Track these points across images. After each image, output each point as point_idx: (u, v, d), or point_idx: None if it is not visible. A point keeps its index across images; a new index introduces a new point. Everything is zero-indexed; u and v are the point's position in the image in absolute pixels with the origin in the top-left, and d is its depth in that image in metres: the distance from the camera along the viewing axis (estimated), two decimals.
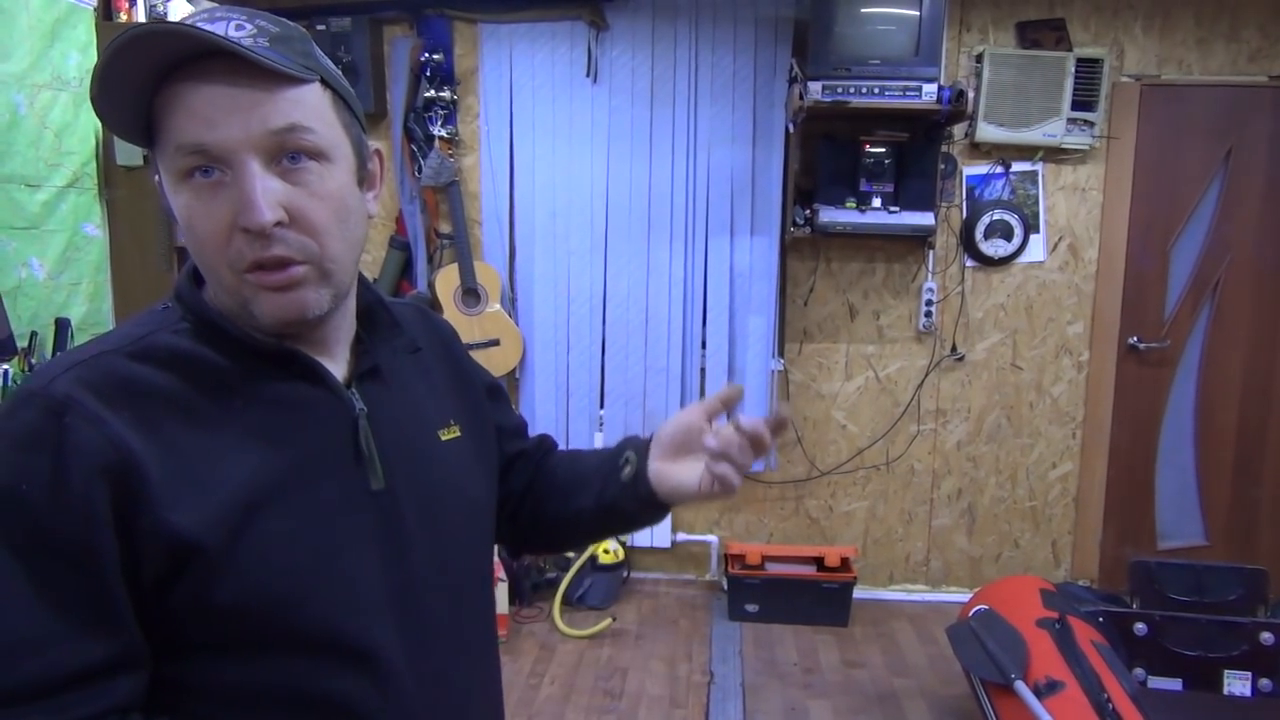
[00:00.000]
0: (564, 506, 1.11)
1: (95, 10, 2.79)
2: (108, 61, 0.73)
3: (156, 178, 0.82)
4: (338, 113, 0.83)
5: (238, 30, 0.76)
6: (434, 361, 1.03)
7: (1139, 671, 2.70)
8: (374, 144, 0.90)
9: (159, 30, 0.72)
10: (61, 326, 2.63)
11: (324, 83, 0.81)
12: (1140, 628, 2.71)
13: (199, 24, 0.75)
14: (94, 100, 0.75)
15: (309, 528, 0.81)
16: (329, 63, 0.84)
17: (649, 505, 1.04)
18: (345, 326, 0.91)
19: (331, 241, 0.81)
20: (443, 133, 3.69)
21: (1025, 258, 3.80)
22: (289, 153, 0.78)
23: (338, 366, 0.90)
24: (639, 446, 1.06)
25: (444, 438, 0.98)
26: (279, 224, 0.77)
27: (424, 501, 0.91)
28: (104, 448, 0.73)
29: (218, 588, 0.76)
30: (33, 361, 2.51)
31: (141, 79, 0.75)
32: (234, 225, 0.77)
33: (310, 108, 0.79)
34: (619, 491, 1.05)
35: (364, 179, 0.87)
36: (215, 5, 0.76)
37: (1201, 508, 3.87)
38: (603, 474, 1.08)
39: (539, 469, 1.15)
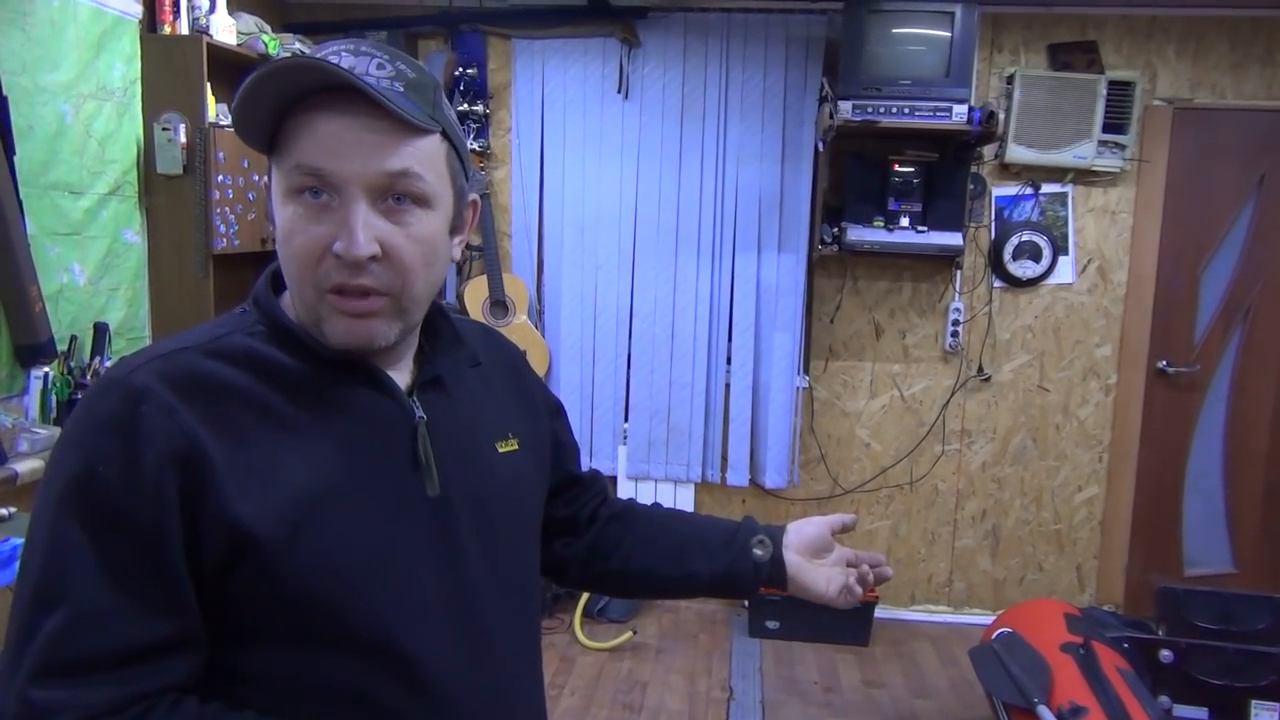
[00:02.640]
0: (667, 564, 1.15)
1: (140, 22, 2.85)
2: (259, 81, 0.78)
3: (266, 179, 0.88)
4: (448, 163, 0.87)
5: (379, 69, 0.81)
6: (496, 376, 1.06)
7: (1164, 699, 2.67)
8: (471, 195, 0.94)
9: (308, 64, 0.78)
10: (100, 331, 2.68)
11: (443, 134, 0.86)
12: (1166, 655, 2.68)
13: (344, 55, 0.81)
14: (235, 113, 0.81)
15: (365, 529, 0.84)
16: (451, 114, 0.88)
17: (770, 585, 1.13)
18: (410, 340, 0.95)
19: (415, 282, 0.85)
20: (475, 146, 3.74)
21: (1054, 279, 3.79)
22: (396, 194, 0.82)
23: (401, 375, 0.93)
24: (764, 531, 1.14)
25: (501, 449, 1.00)
26: (372, 258, 0.81)
27: (478, 510, 0.93)
28: (174, 435, 0.77)
29: (273, 579, 0.79)
30: (71, 365, 2.56)
31: (280, 98, 0.80)
32: (329, 248, 0.81)
33: (426, 156, 0.84)
34: (746, 567, 1.12)
35: (456, 226, 0.92)
36: (361, 38, 0.81)
37: (1230, 535, 3.83)
38: (724, 545, 1.14)
39: (615, 517, 1.18)
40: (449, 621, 0.88)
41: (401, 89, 0.81)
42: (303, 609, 0.81)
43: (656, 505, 1.25)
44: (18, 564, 0.80)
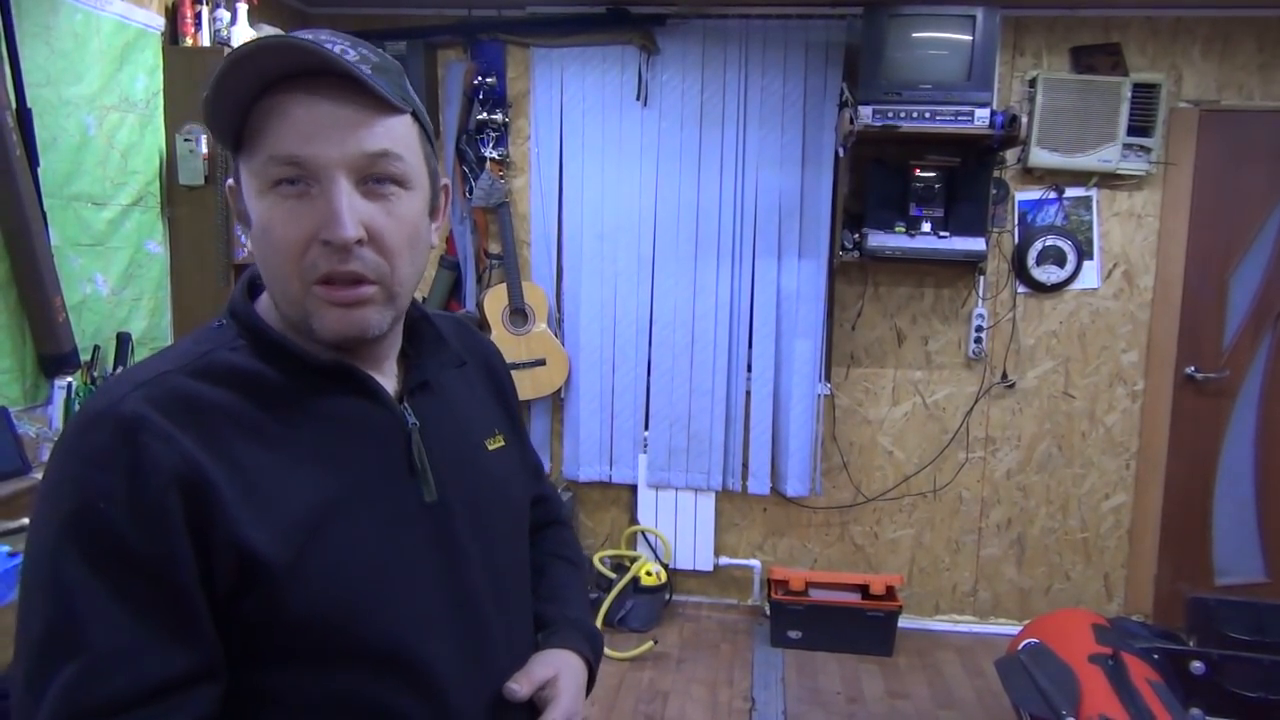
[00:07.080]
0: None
1: (162, 35, 2.88)
2: (234, 63, 0.76)
3: (230, 182, 0.85)
4: (421, 145, 0.86)
5: (343, 55, 0.79)
6: (476, 374, 1.06)
7: (1196, 712, 2.61)
8: (443, 179, 0.93)
9: (287, 44, 0.76)
10: (123, 341, 2.70)
11: (414, 115, 0.85)
12: (1198, 667, 2.62)
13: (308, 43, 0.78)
14: (207, 100, 0.78)
15: (369, 542, 0.83)
16: (416, 99, 0.87)
17: None
18: (395, 342, 0.94)
19: (402, 264, 0.84)
20: (494, 154, 3.74)
21: (1078, 284, 3.74)
22: (376, 176, 0.81)
23: (388, 381, 0.92)
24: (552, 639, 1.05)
25: (490, 447, 1.00)
26: (359, 241, 0.79)
27: (474, 511, 0.93)
28: (177, 463, 0.75)
29: (285, 602, 0.78)
30: (95, 375, 2.57)
31: (251, 86, 0.78)
32: (313, 237, 0.79)
33: (401, 137, 0.83)
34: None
35: (433, 210, 0.90)
36: (319, 28, 0.80)
37: (1262, 543, 3.76)
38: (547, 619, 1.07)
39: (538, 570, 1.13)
40: (454, 626, 0.88)
41: (369, 70, 0.79)
42: (315, 628, 0.79)
43: (555, 564, 1.17)
44: (16, 602, 0.76)
